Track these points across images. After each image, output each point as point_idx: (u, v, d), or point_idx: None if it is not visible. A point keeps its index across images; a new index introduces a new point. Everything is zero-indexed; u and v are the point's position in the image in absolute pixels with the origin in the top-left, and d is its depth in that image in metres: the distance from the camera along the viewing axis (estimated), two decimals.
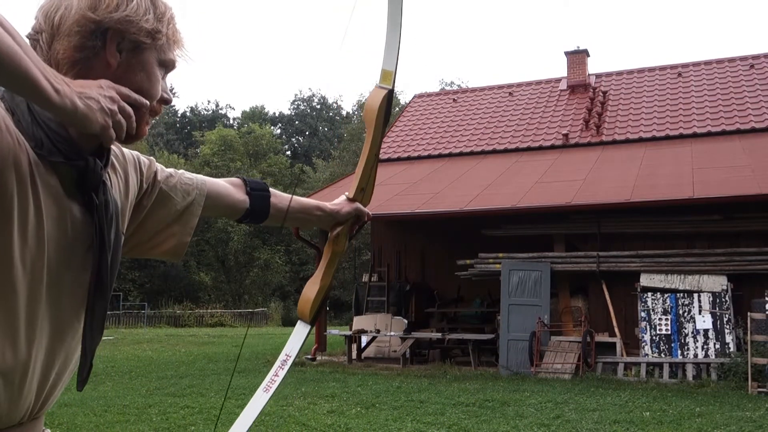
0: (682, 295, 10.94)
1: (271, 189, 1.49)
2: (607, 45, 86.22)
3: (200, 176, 1.40)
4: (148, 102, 1.09)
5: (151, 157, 1.31)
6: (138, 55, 1.11)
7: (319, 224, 1.59)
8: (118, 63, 1.08)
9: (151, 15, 1.10)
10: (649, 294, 11.12)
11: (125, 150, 1.25)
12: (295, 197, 1.54)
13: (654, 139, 14.63)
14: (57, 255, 1.04)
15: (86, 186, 1.07)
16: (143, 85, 1.11)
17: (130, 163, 1.24)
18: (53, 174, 1.04)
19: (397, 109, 37.69)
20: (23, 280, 0.99)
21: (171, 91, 1.17)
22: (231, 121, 55.28)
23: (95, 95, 0.96)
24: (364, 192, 1.59)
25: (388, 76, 1.40)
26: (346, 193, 1.60)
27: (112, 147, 1.21)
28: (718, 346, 10.49)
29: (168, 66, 1.18)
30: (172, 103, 1.25)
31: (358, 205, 1.59)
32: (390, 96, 1.48)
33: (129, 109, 1.02)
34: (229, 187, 1.43)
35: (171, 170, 1.35)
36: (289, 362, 1.38)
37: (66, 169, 1.05)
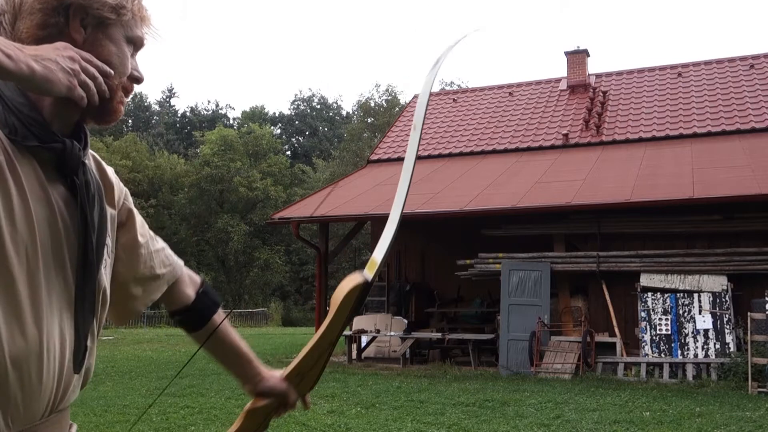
0: (682, 295, 10.93)
1: (221, 311, 1.43)
2: (607, 45, 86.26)
3: (179, 260, 1.40)
4: (112, 71, 1.07)
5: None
6: (104, 31, 1.11)
7: (241, 377, 1.43)
8: (83, 39, 1.08)
9: None
10: (649, 294, 11.11)
11: (121, 183, 1.28)
12: (236, 336, 1.44)
13: (654, 139, 14.62)
14: (50, 237, 1.05)
15: (65, 168, 1.07)
16: (112, 60, 1.10)
17: (119, 189, 1.26)
18: (32, 159, 1.04)
19: (398, 108, 37.68)
20: (18, 263, 0.99)
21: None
22: (231, 121, 55.28)
23: (52, 56, 0.94)
24: (303, 378, 1.36)
25: (374, 265, 1.28)
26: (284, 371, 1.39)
27: (107, 169, 1.23)
28: (718, 346, 10.49)
29: (136, 43, 1.17)
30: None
31: (290, 388, 1.38)
32: (367, 287, 1.29)
33: (92, 69, 1.00)
34: (186, 278, 1.42)
35: (159, 239, 1.37)
36: None
37: (43, 153, 1.05)
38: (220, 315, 1.42)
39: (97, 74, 1.01)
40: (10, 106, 1.03)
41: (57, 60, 0.94)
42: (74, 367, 1.10)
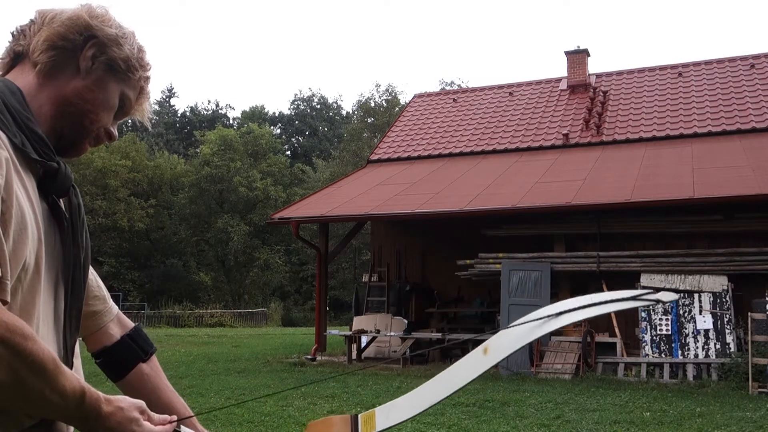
0: (682, 295, 10.92)
1: (155, 364, 1.36)
2: (607, 45, 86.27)
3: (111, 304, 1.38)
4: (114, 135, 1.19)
5: None
6: (108, 76, 1.16)
7: None
8: (87, 71, 1.13)
9: (136, 51, 1.18)
10: None
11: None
12: (173, 392, 1.36)
13: (654, 139, 14.61)
14: (46, 248, 1.06)
15: (58, 188, 1.08)
16: (102, 105, 1.15)
17: None
18: (30, 174, 1.04)
19: (398, 108, 37.65)
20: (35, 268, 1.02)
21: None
22: (231, 121, 55.26)
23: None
24: None
25: (371, 426, 1.07)
26: None
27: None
28: (718, 346, 10.48)
29: (125, 106, 1.21)
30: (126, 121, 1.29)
31: None
32: None
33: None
34: (116, 318, 1.37)
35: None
36: None
37: (39, 170, 1.05)
38: (152, 365, 1.35)
39: None
40: (16, 118, 1.02)
41: None
42: None
